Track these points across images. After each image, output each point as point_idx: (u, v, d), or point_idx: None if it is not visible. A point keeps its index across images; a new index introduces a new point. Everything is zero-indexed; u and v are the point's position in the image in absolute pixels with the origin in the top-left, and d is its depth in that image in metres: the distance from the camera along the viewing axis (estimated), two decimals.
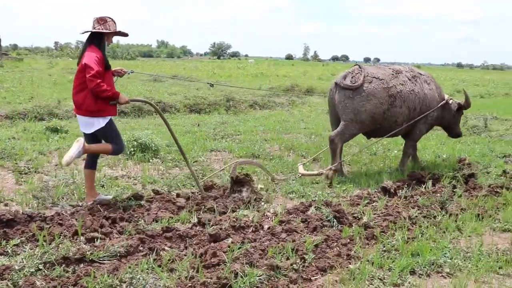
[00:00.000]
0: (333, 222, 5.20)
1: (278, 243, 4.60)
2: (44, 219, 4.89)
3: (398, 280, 4.06)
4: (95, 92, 5.10)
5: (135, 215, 5.21)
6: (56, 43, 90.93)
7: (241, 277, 3.83)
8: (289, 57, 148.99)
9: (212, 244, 4.49)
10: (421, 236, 5.00)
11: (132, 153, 7.88)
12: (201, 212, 5.43)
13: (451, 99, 8.20)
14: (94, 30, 5.30)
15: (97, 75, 5.06)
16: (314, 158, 8.32)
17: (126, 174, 7.04)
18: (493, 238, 5.17)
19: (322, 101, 18.88)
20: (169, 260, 4.11)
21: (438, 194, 6.45)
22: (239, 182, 6.15)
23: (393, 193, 6.46)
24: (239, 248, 4.37)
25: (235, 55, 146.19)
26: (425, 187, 6.84)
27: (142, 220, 5.04)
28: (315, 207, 5.62)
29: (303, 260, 4.25)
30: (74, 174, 6.74)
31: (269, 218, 5.39)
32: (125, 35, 5.65)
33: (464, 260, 4.49)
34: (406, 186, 6.75)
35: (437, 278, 4.19)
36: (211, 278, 3.78)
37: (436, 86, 8.05)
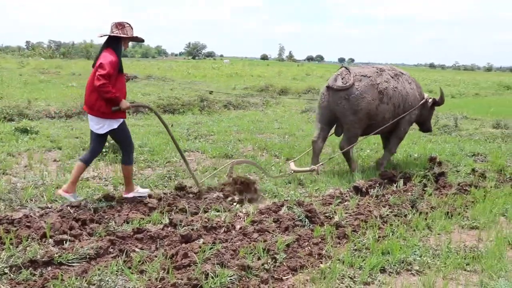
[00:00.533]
0: (305, 221, 5.23)
1: (250, 243, 4.59)
2: (12, 222, 4.79)
3: (368, 278, 4.09)
4: (100, 91, 5.24)
5: (106, 217, 5.14)
6: (27, 42, 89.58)
7: (212, 277, 3.82)
8: (264, 57, 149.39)
9: (184, 245, 4.47)
10: (392, 234, 5.05)
11: (104, 154, 7.77)
12: (172, 213, 5.39)
13: (430, 98, 8.56)
14: (113, 35, 5.47)
15: (106, 76, 5.21)
16: (288, 158, 8.38)
17: (98, 175, 6.95)
18: (462, 236, 5.26)
19: (296, 101, 18.97)
20: (139, 261, 4.07)
21: (409, 193, 6.54)
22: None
23: (365, 192, 6.50)
24: (210, 249, 4.36)
25: (210, 55, 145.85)
26: (396, 186, 6.92)
27: (113, 222, 4.99)
28: (287, 206, 5.64)
29: (274, 260, 4.25)
30: (43, 175, 6.63)
31: (241, 218, 5.38)
32: (141, 40, 5.83)
33: (433, 258, 4.56)
34: (378, 185, 6.80)
35: (406, 276, 4.24)
36: (181, 279, 3.76)
37: (416, 85, 8.38)
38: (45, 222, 4.74)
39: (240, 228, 5.00)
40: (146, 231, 4.74)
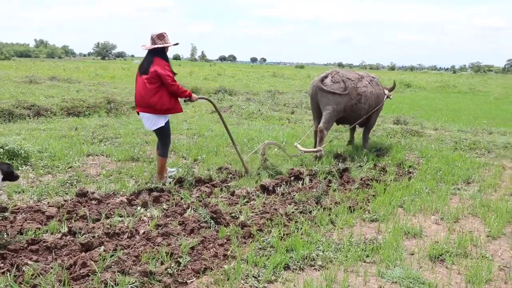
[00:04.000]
0: (210, 223, 5.18)
1: (153, 248, 4.48)
2: None
3: (272, 276, 4.11)
4: (177, 93, 6.48)
5: None
6: None
7: (112, 286, 3.68)
8: (176, 57, 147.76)
9: (83, 253, 4.27)
10: (297, 231, 5.13)
11: None
12: (72, 221, 5.15)
13: (390, 94, 10.36)
14: (160, 46, 6.43)
15: (173, 79, 6.41)
16: (195, 159, 8.34)
17: None
18: (363, 229, 5.45)
19: (206, 102, 18.82)
20: (32, 275, 3.83)
21: (314, 190, 6.69)
22: None
23: (271, 190, 6.58)
24: (111, 256, 4.20)
25: (120, 55, 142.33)
26: (302, 183, 7.06)
27: (4, 234, 4.66)
28: (192, 208, 5.57)
29: (178, 264, 4.18)
30: None
31: (146, 223, 5.24)
32: (177, 44, 6.73)
33: (335, 252, 4.68)
34: (284, 183, 6.91)
35: (310, 272, 4.31)
36: None
37: (381, 86, 10.14)
38: None
39: (144, 233, 4.86)
40: (42, 241, 4.48)
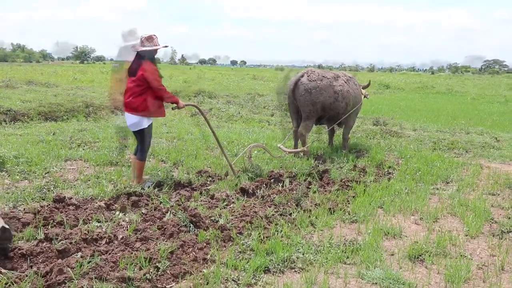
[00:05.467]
0: (190, 226, 5.13)
1: (132, 253, 4.42)
2: None
3: (252, 279, 4.09)
4: (164, 98, 6.49)
5: None
6: None
7: None
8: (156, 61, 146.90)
9: (60, 260, 4.19)
10: (277, 234, 5.11)
11: None
12: (49, 227, 5.05)
13: (367, 94, 10.59)
14: (148, 49, 6.43)
15: (161, 84, 6.43)
16: (174, 162, 8.28)
17: None
18: (343, 230, 5.45)
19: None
20: (6, 283, 3.74)
21: (294, 192, 6.68)
22: None
23: (251, 193, 6.55)
24: (89, 262, 4.13)
25: (100, 59, 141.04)
26: (282, 186, 7.05)
27: None
28: (171, 212, 5.52)
29: (157, 269, 4.13)
30: None
31: (124, 228, 5.17)
32: (166, 47, 6.79)
33: (316, 254, 4.67)
34: (264, 185, 6.89)
35: (290, 274, 4.30)
36: None
37: (359, 85, 10.25)
38: None
39: (122, 238, 4.79)
40: (17, 248, 4.38)
